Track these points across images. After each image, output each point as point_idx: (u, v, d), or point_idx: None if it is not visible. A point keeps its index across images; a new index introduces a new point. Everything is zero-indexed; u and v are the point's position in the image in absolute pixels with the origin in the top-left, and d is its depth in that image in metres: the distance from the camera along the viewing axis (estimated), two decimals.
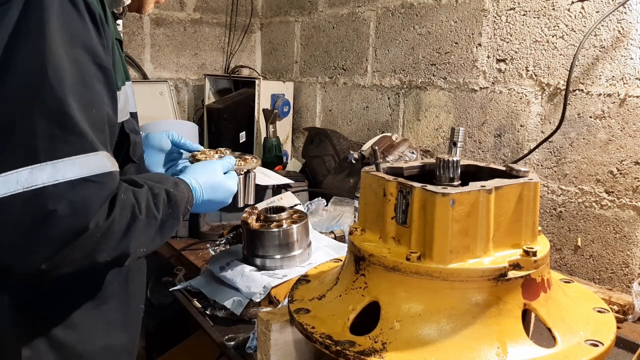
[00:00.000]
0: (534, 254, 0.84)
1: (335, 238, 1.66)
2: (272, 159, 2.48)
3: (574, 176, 1.63)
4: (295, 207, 1.65)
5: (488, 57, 1.85)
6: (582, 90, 1.59)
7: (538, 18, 1.69)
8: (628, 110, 1.49)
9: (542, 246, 0.89)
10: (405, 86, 2.19)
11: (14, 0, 0.81)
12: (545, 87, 1.69)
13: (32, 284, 0.94)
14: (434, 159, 0.95)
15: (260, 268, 1.36)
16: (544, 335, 0.84)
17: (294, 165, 2.65)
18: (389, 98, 2.27)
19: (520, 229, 0.88)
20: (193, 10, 2.87)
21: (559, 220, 1.68)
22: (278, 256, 1.37)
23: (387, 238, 0.89)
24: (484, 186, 0.85)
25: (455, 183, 0.91)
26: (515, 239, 0.88)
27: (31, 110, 0.79)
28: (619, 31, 1.49)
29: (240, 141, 2.66)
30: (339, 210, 1.95)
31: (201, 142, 2.53)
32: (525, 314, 0.86)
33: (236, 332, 1.24)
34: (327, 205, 2.00)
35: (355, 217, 1.76)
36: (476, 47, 1.89)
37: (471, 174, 1.00)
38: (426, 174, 1.01)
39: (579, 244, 1.63)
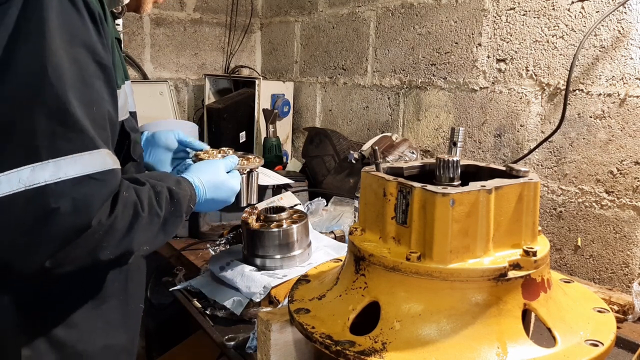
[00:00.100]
0: (534, 254, 0.84)
1: (335, 238, 1.66)
2: (272, 159, 2.49)
3: (574, 176, 1.63)
4: (295, 207, 1.65)
5: (488, 57, 1.85)
6: (582, 90, 1.59)
7: (538, 18, 1.69)
8: (628, 110, 1.49)
9: (542, 246, 0.89)
10: (405, 86, 2.19)
11: (13, 0, 0.81)
12: (545, 87, 1.69)
13: (33, 284, 0.94)
14: (434, 159, 0.95)
15: (260, 268, 1.36)
16: (544, 335, 0.84)
17: (294, 165, 2.65)
18: (389, 98, 2.27)
19: (520, 229, 0.88)
20: (193, 10, 2.87)
21: (559, 220, 1.68)
22: (278, 256, 1.37)
23: (387, 238, 0.89)
24: (484, 186, 0.85)
25: (455, 183, 0.91)
26: (515, 239, 0.88)
27: (32, 109, 0.80)
28: (619, 31, 1.49)
29: (240, 141, 2.66)
30: (339, 210, 1.95)
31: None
32: (525, 314, 0.86)
33: (236, 332, 1.24)
34: (327, 205, 2.00)
35: (355, 217, 1.76)
36: (476, 47, 1.89)
37: (471, 174, 1.00)
38: (426, 174, 1.01)
39: (579, 244, 1.63)
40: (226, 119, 2.63)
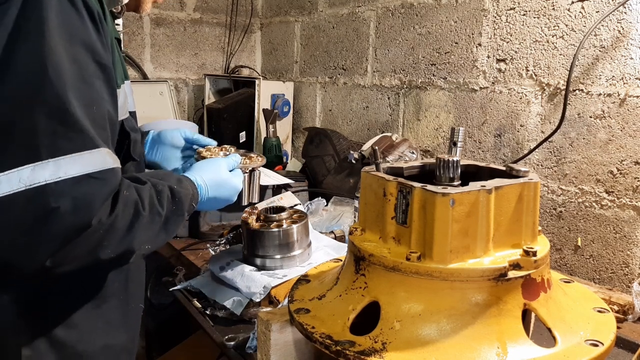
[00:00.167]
0: (534, 254, 0.84)
1: (335, 238, 1.66)
2: (272, 159, 2.49)
3: (574, 176, 1.63)
4: (295, 207, 1.65)
5: (488, 57, 1.85)
6: (582, 90, 1.59)
7: (538, 18, 1.69)
8: (628, 110, 1.49)
9: (542, 246, 0.89)
10: (405, 86, 2.19)
11: (13, 0, 0.81)
12: (545, 87, 1.69)
13: (34, 283, 0.94)
14: (434, 159, 0.95)
15: (260, 268, 1.36)
16: (544, 335, 0.84)
17: (294, 165, 2.65)
18: (389, 98, 2.27)
19: (520, 229, 0.88)
20: (193, 10, 2.87)
21: (559, 220, 1.68)
22: (278, 256, 1.37)
23: (387, 238, 0.89)
24: (484, 186, 0.85)
25: (455, 183, 0.91)
26: (515, 239, 0.88)
27: (32, 109, 0.80)
28: (619, 31, 1.49)
29: (240, 141, 2.66)
30: (339, 210, 1.95)
31: None
32: (525, 314, 0.86)
33: (236, 332, 1.24)
34: (327, 205, 2.00)
35: (355, 217, 1.76)
36: (476, 47, 1.89)
37: (471, 174, 1.00)
38: (426, 174, 1.01)
39: (579, 244, 1.63)
40: (226, 119, 2.63)
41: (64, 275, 0.85)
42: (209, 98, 2.82)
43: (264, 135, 2.55)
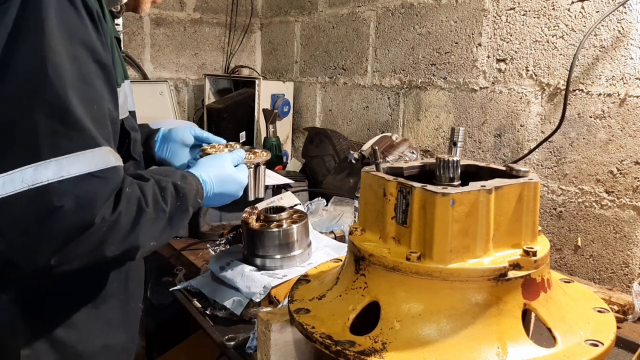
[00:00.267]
0: (534, 254, 0.84)
1: (335, 238, 1.66)
2: (272, 159, 2.48)
3: (574, 176, 1.63)
4: (295, 207, 1.65)
5: (488, 57, 1.85)
6: (582, 90, 1.59)
7: (538, 18, 1.69)
8: (628, 110, 1.49)
9: (542, 246, 0.89)
10: (405, 86, 2.19)
11: (12, 0, 0.81)
12: (545, 87, 1.69)
13: (32, 283, 0.95)
14: (434, 159, 0.95)
15: (260, 268, 1.36)
16: (544, 335, 0.84)
17: (294, 165, 2.65)
18: (389, 98, 2.27)
19: (520, 229, 0.88)
20: (193, 10, 2.87)
21: (559, 220, 1.68)
22: (278, 256, 1.37)
23: (387, 238, 0.89)
24: (484, 186, 0.85)
25: (455, 183, 0.91)
26: (515, 239, 0.88)
27: (33, 109, 0.80)
28: (619, 31, 1.49)
29: (240, 141, 2.66)
30: (339, 210, 1.95)
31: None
32: (525, 314, 0.86)
33: (236, 332, 1.24)
34: (327, 205, 2.00)
35: (355, 217, 1.76)
36: (476, 47, 1.89)
37: (471, 174, 1.00)
38: (426, 174, 1.01)
39: (579, 244, 1.63)
40: (226, 119, 2.63)
41: (68, 274, 0.86)
42: (209, 98, 2.82)
43: (264, 135, 2.55)
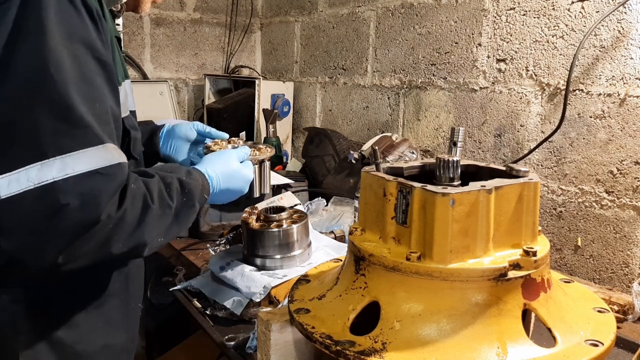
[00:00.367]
0: (534, 254, 0.84)
1: (335, 238, 1.66)
2: (272, 159, 2.48)
3: (574, 176, 1.63)
4: (295, 207, 1.65)
5: (488, 57, 1.85)
6: (582, 90, 1.59)
7: (538, 18, 1.69)
8: (628, 110, 1.49)
9: (542, 246, 0.89)
10: (405, 86, 2.19)
11: (12, 0, 0.81)
12: (545, 87, 1.69)
13: (40, 282, 0.95)
14: (434, 159, 0.95)
15: (260, 268, 1.36)
16: (544, 335, 0.84)
17: (294, 165, 2.65)
18: (389, 98, 2.27)
19: (520, 229, 0.88)
20: (193, 10, 2.87)
21: (559, 220, 1.68)
22: (278, 256, 1.37)
23: (387, 238, 0.89)
24: (484, 186, 0.85)
25: (455, 183, 0.91)
26: (515, 239, 0.88)
27: (35, 108, 0.80)
28: (619, 31, 1.49)
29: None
30: (339, 210, 1.95)
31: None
32: (525, 314, 0.86)
33: (236, 332, 1.24)
34: (327, 205, 2.00)
35: (355, 217, 1.76)
36: (476, 47, 1.89)
37: (471, 174, 1.00)
38: (426, 174, 1.01)
39: (579, 244, 1.63)
40: (226, 119, 2.63)
41: (74, 272, 0.86)
42: (209, 98, 2.82)
43: (264, 135, 2.55)
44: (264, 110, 2.55)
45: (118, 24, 2.24)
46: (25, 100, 0.80)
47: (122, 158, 0.88)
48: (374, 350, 0.79)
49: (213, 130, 1.39)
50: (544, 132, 1.69)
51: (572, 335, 0.82)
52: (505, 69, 1.80)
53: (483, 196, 0.83)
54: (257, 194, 1.30)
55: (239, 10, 2.98)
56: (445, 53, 2.00)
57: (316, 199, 1.96)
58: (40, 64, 0.80)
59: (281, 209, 1.44)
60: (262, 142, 2.55)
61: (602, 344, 0.80)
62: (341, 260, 1.03)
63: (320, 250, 1.46)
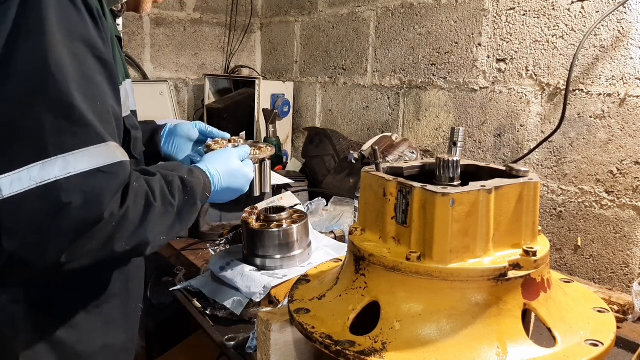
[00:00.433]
0: (534, 254, 0.84)
1: (335, 238, 1.66)
2: (273, 158, 2.48)
3: (574, 176, 1.63)
4: (295, 207, 1.65)
5: (488, 57, 1.85)
6: (582, 90, 1.59)
7: (538, 18, 1.69)
8: (628, 110, 1.49)
9: (542, 246, 0.89)
10: (405, 86, 2.19)
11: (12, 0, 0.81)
12: (545, 87, 1.69)
13: (44, 282, 0.95)
14: (434, 159, 0.95)
15: (260, 268, 1.36)
16: (544, 335, 0.84)
17: (294, 165, 2.65)
18: (389, 98, 2.27)
19: (520, 229, 0.88)
20: (193, 10, 2.86)
21: (559, 220, 1.68)
22: (278, 256, 1.37)
23: (387, 238, 0.89)
24: (484, 186, 0.85)
25: (455, 183, 0.91)
26: (515, 239, 0.88)
27: (36, 107, 0.80)
28: (619, 31, 1.49)
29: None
30: (339, 210, 1.95)
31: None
32: (525, 314, 0.86)
33: (236, 332, 1.23)
34: (327, 205, 2.00)
35: (355, 217, 1.76)
36: (476, 47, 1.89)
37: (471, 174, 1.00)
38: (426, 174, 1.01)
39: (579, 244, 1.63)
40: (226, 119, 2.63)
41: (77, 272, 0.86)
42: (209, 98, 2.82)
43: (264, 135, 2.55)
44: (264, 110, 2.55)
45: (118, 24, 2.24)
46: (26, 99, 0.80)
47: (124, 156, 0.88)
48: (374, 350, 0.79)
49: (215, 130, 1.40)
50: (544, 132, 1.69)
51: (572, 335, 0.82)
52: (505, 69, 1.80)
53: (483, 196, 0.83)
54: (257, 193, 1.30)
55: (239, 10, 2.98)
56: (445, 53, 2.00)
57: (316, 199, 1.96)
58: (40, 63, 0.80)
59: (281, 209, 1.44)
60: (262, 141, 2.55)
61: (602, 344, 0.80)
62: (341, 260, 1.03)
63: (320, 250, 1.46)
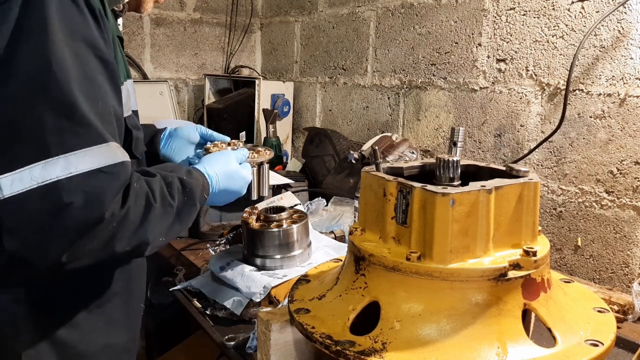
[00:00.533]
0: (534, 254, 0.84)
1: (335, 238, 1.66)
2: (272, 159, 2.48)
3: (574, 176, 1.63)
4: (295, 207, 1.65)
5: (488, 57, 1.85)
6: (582, 90, 1.59)
7: (538, 18, 1.69)
8: (628, 110, 1.49)
9: (542, 246, 0.89)
10: (405, 86, 2.19)
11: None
12: (545, 87, 1.69)
13: (45, 281, 0.95)
14: (434, 159, 0.95)
15: (260, 268, 1.36)
16: (544, 335, 0.84)
17: (294, 165, 2.65)
18: (389, 98, 2.27)
19: (520, 229, 0.88)
20: (193, 10, 2.87)
21: (559, 220, 1.68)
22: (278, 256, 1.37)
23: (387, 238, 0.89)
24: (484, 186, 0.85)
25: (455, 183, 0.91)
26: (515, 239, 0.88)
27: (38, 106, 0.80)
28: (619, 31, 1.49)
29: (241, 140, 2.65)
30: (339, 210, 1.95)
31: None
32: (525, 314, 0.86)
33: (236, 332, 1.24)
34: (327, 205, 2.00)
35: (355, 217, 1.76)
36: (476, 47, 1.89)
37: (471, 174, 1.00)
38: (426, 174, 1.01)
39: (579, 244, 1.63)
40: (226, 119, 2.63)
41: (77, 272, 0.86)
42: (209, 98, 2.82)
43: (264, 135, 2.55)
44: (264, 110, 2.55)
45: (118, 24, 2.24)
46: (28, 98, 0.80)
47: (125, 157, 0.89)
48: (374, 350, 0.79)
49: (215, 133, 1.40)
50: (544, 132, 1.69)
51: (572, 335, 0.82)
52: (505, 69, 1.80)
53: (483, 196, 0.83)
54: (255, 197, 1.30)
55: (239, 10, 2.98)
56: (445, 53, 2.00)
57: (316, 199, 1.96)
58: (42, 63, 0.80)
59: (281, 209, 1.44)
60: (262, 142, 2.55)
61: (602, 344, 0.81)
62: (341, 260, 1.03)
63: (320, 250, 1.46)
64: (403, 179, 0.91)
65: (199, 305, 1.37)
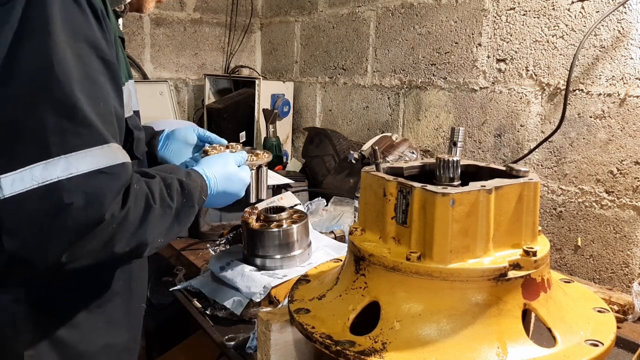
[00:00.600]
0: (534, 254, 0.84)
1: (335, 238, 1.66)
2: (273, 159, 2.48)
3: (574, 176, 1.63)
4: (295, 207, 1.65)
5: (488, 57, 1.85)
6: (582, 90, 1.59)
7: (538, 18, 1.69)
8: (628, 110, 1.49)
9: (542, 246, 0.89)
10: (405, 86, 2.19)
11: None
12: (545, 87, 1.69)
13: (45, 281, 0.95)
14: (434, 159, 0.95)
15: (260, 268, 1.36)
16: (544, 335, 0.84)
17: (294, 165, 2.65)
18: (389, 98, 2.27)
19: (520, 229, 0.88)
20: (193, 10, 2.87)
21: (559, 220, 1.68)
22: (278, 256, 1.37)
23: (387, 238, 0.89)
24: (484, 186, 0.85)
25: (455, 183, 0.91)
26: (515, 239, 0.88)
27: (40, 106, 0.80)
28: (619, 31, 1.49)
29: (240, 141, 2.66)
30: (339, 210, 1.95)
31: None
32: (525, 314, 0.86)
33: (236, 332, 1.24)
34: (327, 205, 2.00)
35: (355, 217, 1.76)
36: (476, 47, 1.89)
37: (471, 174, 1.00)
38: (426, 174, 1.01)
39: (579, 243, 1.63)
40: (226, 119, 2.63)
41: (77, 272, 0.86)
42: (209, 98, 2.82)
43: (264, 135, 2.55)
44: (264, 110, 2.55)
45: (119, 24, 2.24)
46: (30, 99, 0.80)
47: (125, 158, 0.89)
48: (374, 350, 0.79)
49: (213, 136, 1.40)
50: (544, 132, 1.69)
51: (572, 335, 0.82)
52: (505, 69, 1.80)
53: (483, 196, 0.84)
54: (253, 199, 1.30)
55: (239, 10, 2.98)
56: (445, 53, 2.00)
57: (316, 199, 1.96)
58: (44, 63, 0.80)
59: (281, 209, 1.44)
60: (262, 142, 2.55)
61: (602, 344, 0.81)
62: (341, 260, 1.03)
63: (320, 250, 1.46)
64: (403, 179, 0.91)
65: (199, 305, 1.37)
